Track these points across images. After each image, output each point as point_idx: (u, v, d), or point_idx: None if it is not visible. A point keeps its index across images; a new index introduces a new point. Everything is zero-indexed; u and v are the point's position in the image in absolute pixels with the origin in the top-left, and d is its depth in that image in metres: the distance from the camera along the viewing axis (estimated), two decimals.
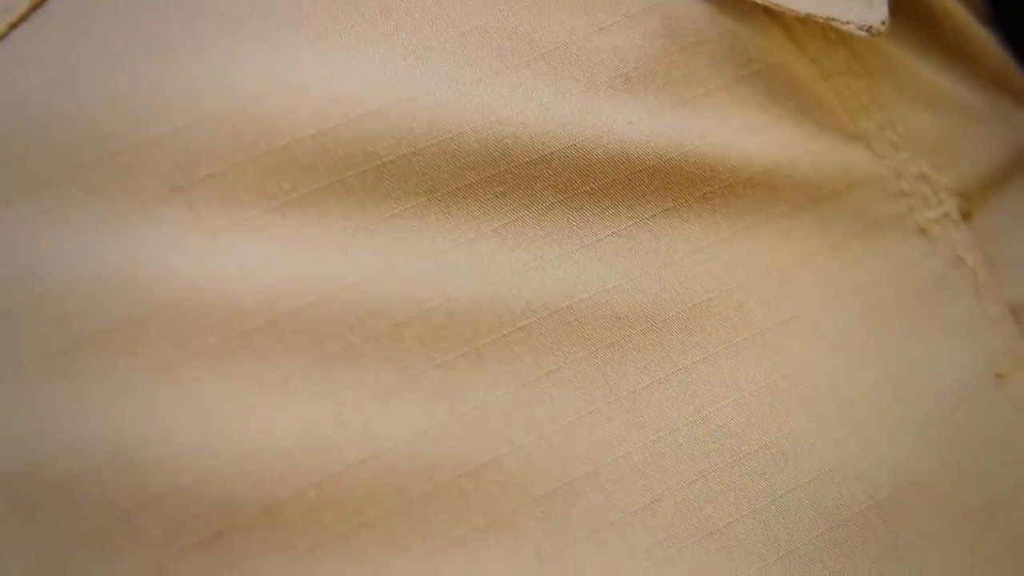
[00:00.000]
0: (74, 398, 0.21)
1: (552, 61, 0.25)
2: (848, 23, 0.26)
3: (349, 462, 0.22)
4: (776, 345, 0.26)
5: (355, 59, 0.24)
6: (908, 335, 0.27)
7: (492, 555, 0.23)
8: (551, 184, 0.24)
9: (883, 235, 0.27)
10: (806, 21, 0.27)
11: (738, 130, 0.26)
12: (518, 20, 0.25)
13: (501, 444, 0.23)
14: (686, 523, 0.24)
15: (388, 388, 0.23)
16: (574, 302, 0.24)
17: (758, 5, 0.27)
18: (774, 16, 0.27)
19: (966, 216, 0.28)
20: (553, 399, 0.24)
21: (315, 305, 0.22)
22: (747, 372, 0.25)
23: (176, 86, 0.23)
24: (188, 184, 0.22)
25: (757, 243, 0.26)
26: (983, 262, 0.28)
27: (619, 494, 0.24)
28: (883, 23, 0.26)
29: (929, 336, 0.27)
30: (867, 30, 0.26)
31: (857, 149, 0.27)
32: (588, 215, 0.25)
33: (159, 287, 0.22)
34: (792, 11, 0.26)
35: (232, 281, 0.22)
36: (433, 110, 0.24)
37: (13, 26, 0.24)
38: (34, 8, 0.24)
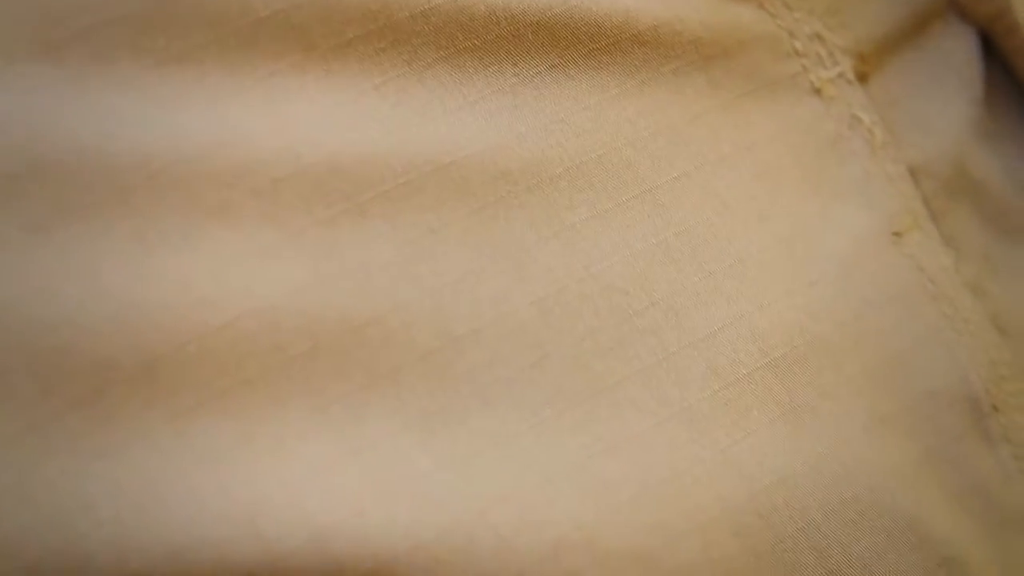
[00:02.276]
0: None
1: None
2: None
3: (228, 317, 0.22)
4: (666, 203, 0.25)
5: None
6: (803, 194, 0.27)
7: (375, 412, 0.22)
8: (432, 40, 0.24)
9: (776, 95, 0.27)
10: None
11: None
12: None
13: (383, 301, 0.23)
14: (575, 381, 0.24)
15: (268, 244, 0.22)
16: (457, 158, 0.24)
17: None
18: None
19: (862, 78, 0.28)
20: (437, 256, 0.23)
21: (192, 161, 0.22)
22: (637, 230, 0.25)
23: None
24: (60, 41, 0.22)
25: (646, 101, 0.26)
26: (880, 123, 0.28)
27: (505, 351, 0.23)
28: None
29: (824, 195, 0.27)
30: None
31: (748, 7, 0.27)
32: (471, 72, 0.24)
33: (32, 144, 0.21)
34: None
35: (108, 138, 0.22)
36: None
37: None
38: None
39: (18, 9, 0.22)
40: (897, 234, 0.27)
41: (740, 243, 0.26)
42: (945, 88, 0.29)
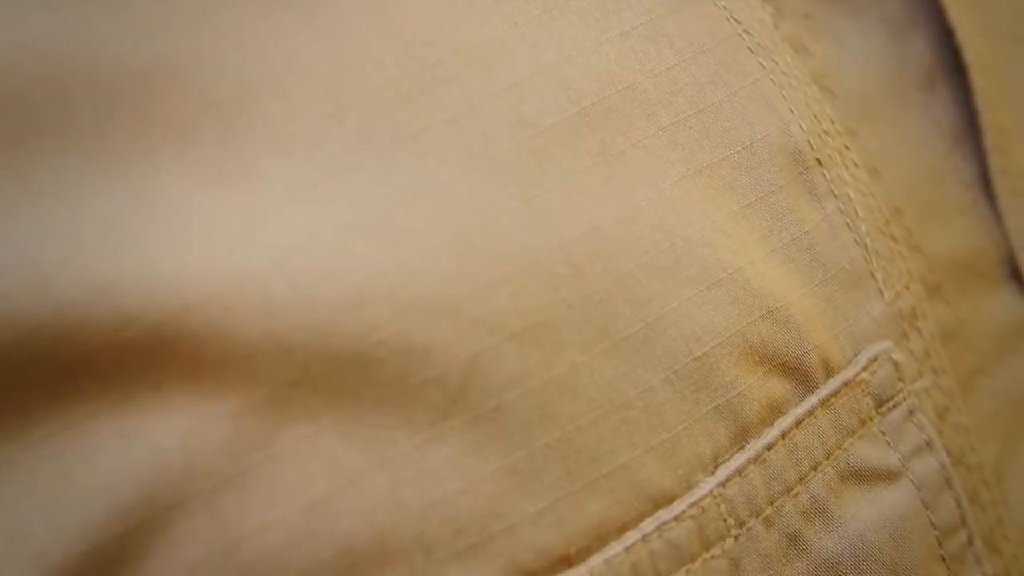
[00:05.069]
0: None
1: None
2: None
3: (4, 65, 0.21)
4: None
5: None
6: None
7: (165, 164, 0.22)
8: None
9: None
10: None
11: None
12: None
13: (169, 49, 0.22)
14: (375, 130, 0.23)
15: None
16: None
17: None
18: None
19: None
20: (223, 7, 0.23)
21: None
22: None
23: None
24: None
25: None
26: None
27: (301, 102, 0.23)
28: None
29: None
30: None
31: None
32: None
33: None
34: None
35: None
36: None
37: None
38: None
39: None
40: None
41: None
42: None
